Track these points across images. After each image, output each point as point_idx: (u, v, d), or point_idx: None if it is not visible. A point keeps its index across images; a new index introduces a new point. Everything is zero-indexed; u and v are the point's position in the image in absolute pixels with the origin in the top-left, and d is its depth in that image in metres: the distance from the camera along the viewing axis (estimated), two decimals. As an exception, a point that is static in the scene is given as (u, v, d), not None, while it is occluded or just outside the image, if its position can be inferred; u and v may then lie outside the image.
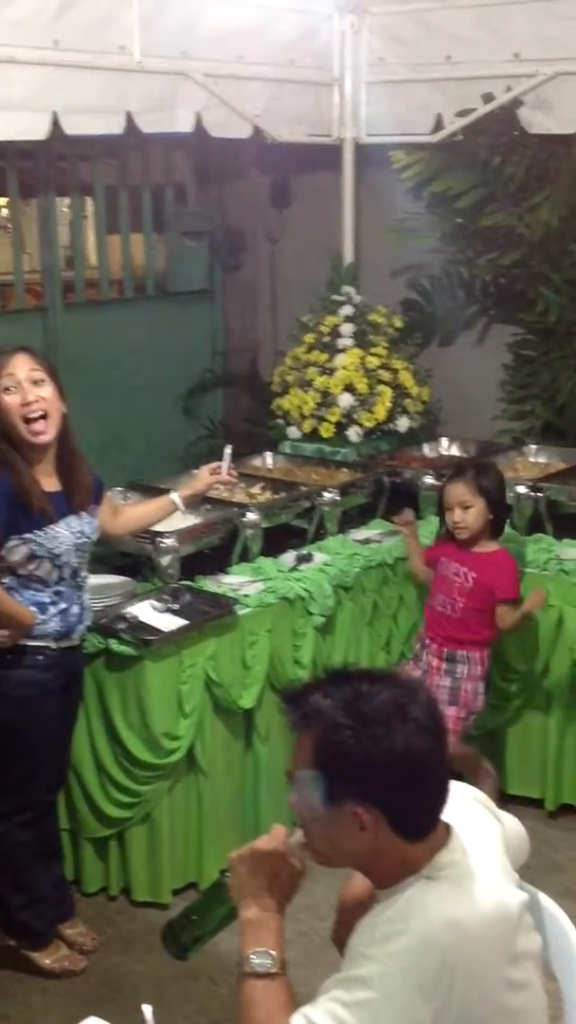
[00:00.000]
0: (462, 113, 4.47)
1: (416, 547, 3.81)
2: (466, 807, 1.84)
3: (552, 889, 2.05)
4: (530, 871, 1.93)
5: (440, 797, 1.68)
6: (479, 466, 3.65)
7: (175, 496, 3.27)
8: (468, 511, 3.50)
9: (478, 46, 4.39)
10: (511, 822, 1.98)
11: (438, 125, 4.60)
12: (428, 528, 4.00)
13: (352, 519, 4.20)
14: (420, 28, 4.59)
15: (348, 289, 4.92)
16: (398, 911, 1.63)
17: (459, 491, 3.51)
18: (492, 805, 1.92)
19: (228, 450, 3.30)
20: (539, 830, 3.64)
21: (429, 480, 4.21)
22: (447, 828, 1.71)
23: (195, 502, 3.39)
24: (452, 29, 4.46)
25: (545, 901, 2.00)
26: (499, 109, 4.39)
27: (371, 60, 4.78)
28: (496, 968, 1.64)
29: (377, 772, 1.62)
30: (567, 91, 4.20)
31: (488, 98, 4.36)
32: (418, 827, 1.66)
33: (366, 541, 4.01)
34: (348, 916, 1.89)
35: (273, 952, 1.72)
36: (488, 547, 3.56)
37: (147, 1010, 1.75)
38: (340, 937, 1.93)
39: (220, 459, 3.31)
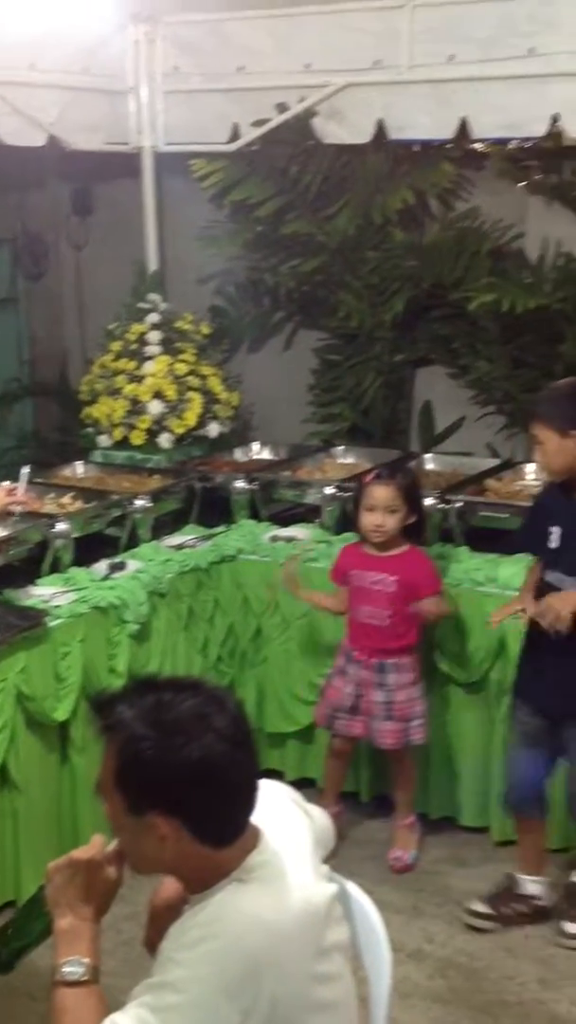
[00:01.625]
0: (257, 123, 4.55)
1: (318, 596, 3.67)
2: (278, 805, 1.87)
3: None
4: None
5: (243, 805, 1.69)
6: (402, 470, 3.62)
7: None
8: (393, 515, 3.43)
9: (270, 56, 4.47)
10: (320, 817, 2.03)
11: (235, 134, 4.66)
12: (241, 532, 4.06)
13: (165, 525, 4.20)
14: (213, 38, 4.64)
15: (154, 297, 4.93)
16: (207, 915, 1.65)
17: (387, 494, 3.42)
18: (302, 801, 1.97)
19: (25, 470, 3.24)
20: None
21: (240, 484, 4.25)
22: (257, 830, 1.74)
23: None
24: (244, 39, 4.53)
25: (354, 891, 2.06)
26: (293, 119, 4.49)
27: (166, 69, 4.80)
28: (305, 964, 1.68)
29: (174, 782, 1.63)
30: (357, 102, 4.32)
31: (282, 108, 4.44)
32: (220, 835, 1.67)
33: (180, 547, 4.02)
34: (160, 920, 1.89)
35: (85, 960, 1.72)
36: (400, 548, 3.50)
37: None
38: (152, 942, 1.93)
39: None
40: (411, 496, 3.46)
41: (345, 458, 4.63)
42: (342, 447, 4.70)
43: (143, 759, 1.63)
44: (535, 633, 3.09)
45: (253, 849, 1.71)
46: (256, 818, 1.73)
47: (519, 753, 3.23)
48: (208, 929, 1.63)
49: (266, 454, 4.82)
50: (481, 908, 3.29)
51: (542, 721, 3.16)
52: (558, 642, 3.00)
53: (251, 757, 1.70)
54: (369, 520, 3.44)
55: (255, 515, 4.21)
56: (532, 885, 3.30)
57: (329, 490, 4.06)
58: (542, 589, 3.09)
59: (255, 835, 1.72)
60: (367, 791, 3.87)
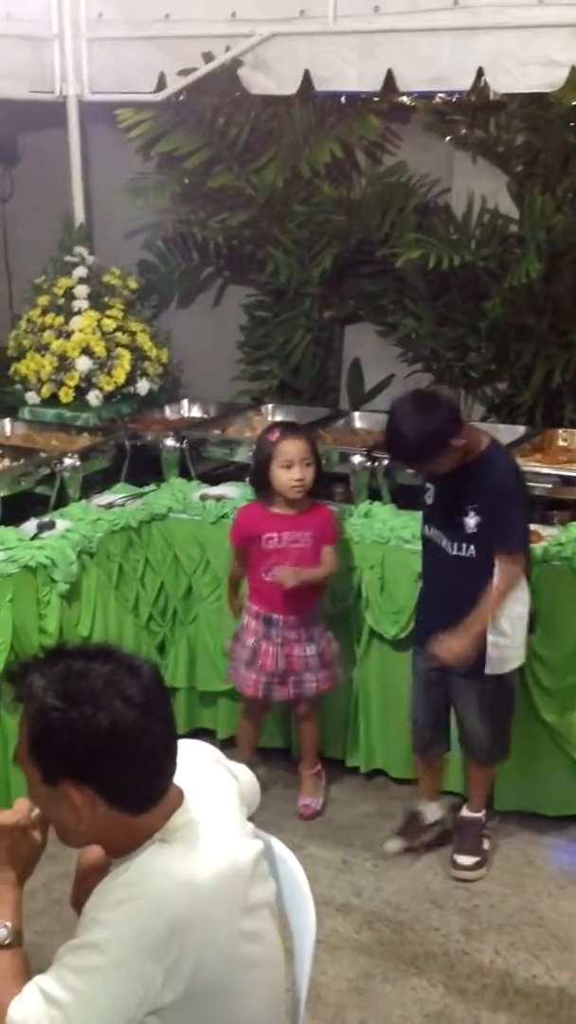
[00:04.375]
0: (183, 72, 4.47)
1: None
2: (202, 766, 1.89)
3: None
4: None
5: (159, 771, 1.70)
6: (298, 425, 3.66)
7: None
8: (309, 468, 3.43)
9: (196, 5, 4.39)
10: (245, 775, 2.05)
11: (161, 84, 4.58)
12: (171, 490, 4.04)
13: (95, 484, 4.17)
14: (138, -15, 4.54)
15: (80, 250, 4.85)
16: (130, 876, 1.66)
17: (302, 448, 3.43)
18: (226, 760, 1.98)
19: None
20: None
21: (171, 442, 4.23)
22: (180, 791, 1.74)
23: None
24: (169, -13, 4.44)
25: (279, 847, 2.09)
26: (220, 69, 4.41)
27: (90, 16, 4.69)
28: (229, 922, 1.70)
29: (85, 751, 1.63)
30: (284, 52, 4.26)
31: (208, 57, 4.37)
32: (137, 802, 1.68)
33: (110, 506, 4.00)
34: (86, 881, 1.91)
35: (8, 924, 1.73)
36: (308, 503, 3.52)
37: None
38: (79, 902, 1.94)
39: None
40: (315, 449, 3.51)
41: (275, 416, 4.62)
42: (271, 405, 4.69)
43: (52, 729, 1.63)
44: (430, 588, 3.29)
45: (176, 810, 1.72)
46: (180, 779, 1.75)
47: (419, 696, 3.38)
48: (130, 890, 1.64)
49: (196, 412, 4.80)
50: (397, 846, 3.45)
51: (432, 666, 3.26)
52: (449, 599, 3.17)
53: (165, 724, 1.70)
54: (289, 476, 3.43)
55: (185, 473, 4.19)
56: (435, 812, 3.49)
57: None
58: (424, 540, 3.29)
59: (178, 796, 1.73)
60: (297, 747, 3.91)
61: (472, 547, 3.13)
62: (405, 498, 3.77)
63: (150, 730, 1.66)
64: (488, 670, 3.18)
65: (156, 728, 1.67)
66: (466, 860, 3.38)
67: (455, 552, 3.16)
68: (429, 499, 3.24)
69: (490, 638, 3.13)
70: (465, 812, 3.46)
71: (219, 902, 1.68)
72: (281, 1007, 1.86)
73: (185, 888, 1.64)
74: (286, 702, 3.65)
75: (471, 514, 3.11)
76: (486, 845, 3.44)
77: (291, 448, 3.43)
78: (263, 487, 3.52)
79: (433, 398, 3.18)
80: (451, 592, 3.19)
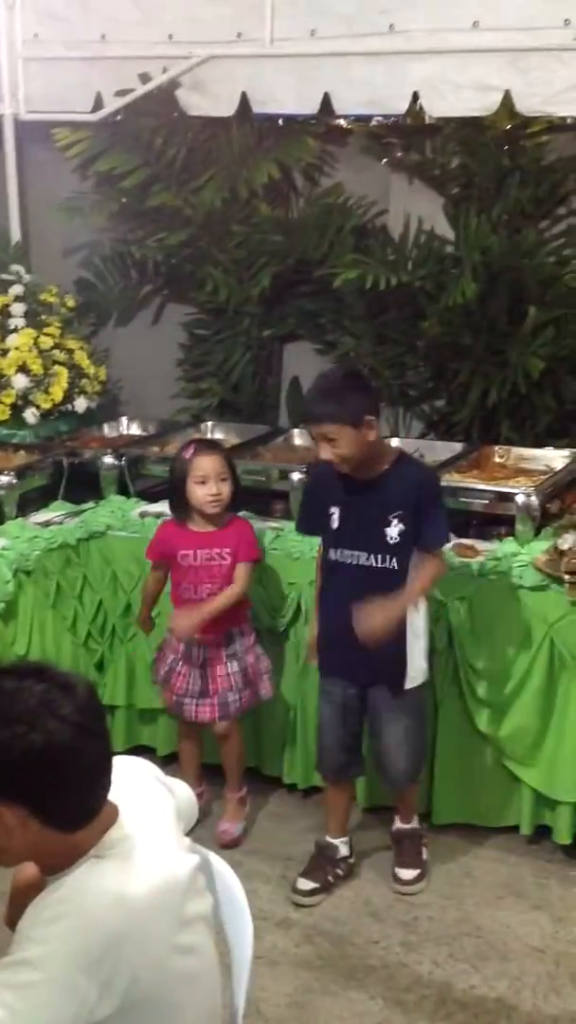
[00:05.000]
0: (121, 93, 4.49)
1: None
2: (138, 782, 1.89)
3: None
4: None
5: (93, 790, 1.69)
6: (213, 441, 3.64)
7: None
8: (224, 483, 3.44)
9: (133, 26, 4.41)
10: (182, 790, 2.05)
11: (98, 104, 4.60)
12: (110, 508, 4.03)
13: (32, 502, 4.15)
14: (74, 6, 4.55)
15: (17, 268, 4.84)
16: (64, 893, 1.65)
17: (217, 463, 3.43)
18: (163, 776, 1.99)
19: None
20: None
21: (109, 460, 4.22)
22: (115, 807, 1.74)
23: None
24: (106, 8, 4.46)
25: (216, 862, 2.09)
26: (158, 90, 4.44)
27: (26, 37, 4.69)
28: (164, 937, 1.69)
29: (18, 771, 1.62)
30: (221, 74, 4.30)
31: (145, 78, 4.39)
32: (70, 820, 1.67)
33: (47, 523, 3.98)
34: (21, 898, 1.89)
35: None
36: (227, 519, 3.52)
37: None
38: (13, 920, 1.93)
39: None
40: (232, 466, 3.51)
41: (214, 433, 4.62)
42: (211, 423, 4.70)
43: None
44: (341, 611, 3.14)
45: (111, 826, 1.71)
46: (115, 795, 1.74)
47: (334, 722, 3.35)
48: (64, 906, 1.63)
49: (135, 429, 4.79)
50: (307, 885, 3.38)
51: (350, 689, 3.28)
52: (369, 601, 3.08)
53: (100, 742, 1.70)
54: (204, 491, 3.44)
55: (124, 491, 4.19)
56: (344, 847, 3.47)
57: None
58: (329, 567, 3.26)
59: (113, 812, 1.73)
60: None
61: (394, 559, 3.14)
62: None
63: (84, 749, 1.65)
64: (408, 684, 3.21)
65: (90, 747, 1.67)
66: (408, 874, 3.39)
67: (378, 565, 3.15)
68: (335, 523, 3.21)
69: (410, 639, 3.17)
70: (400, 824, 3.47)
71: (154, 917, 1.68)
72: (218, 1021, 1.86)
73: (119, 904, 1.64)
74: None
75: (394, 523, 3.12)
76: (425, 855, 3.46)
77: (205, 464, 3.44)
78: (180, 505, 3.51)
79: (355, 372, 3.29)
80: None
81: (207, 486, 3.44)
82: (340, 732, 3.35)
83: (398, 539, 3.13)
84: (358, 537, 3.18)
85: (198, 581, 3.50)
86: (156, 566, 3.62)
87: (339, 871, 3.43)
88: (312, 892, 3.36)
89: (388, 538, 3.13)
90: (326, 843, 3.46)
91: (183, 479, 3.47)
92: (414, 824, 3.48)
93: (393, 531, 3.13)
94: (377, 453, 3.13)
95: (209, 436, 4.58)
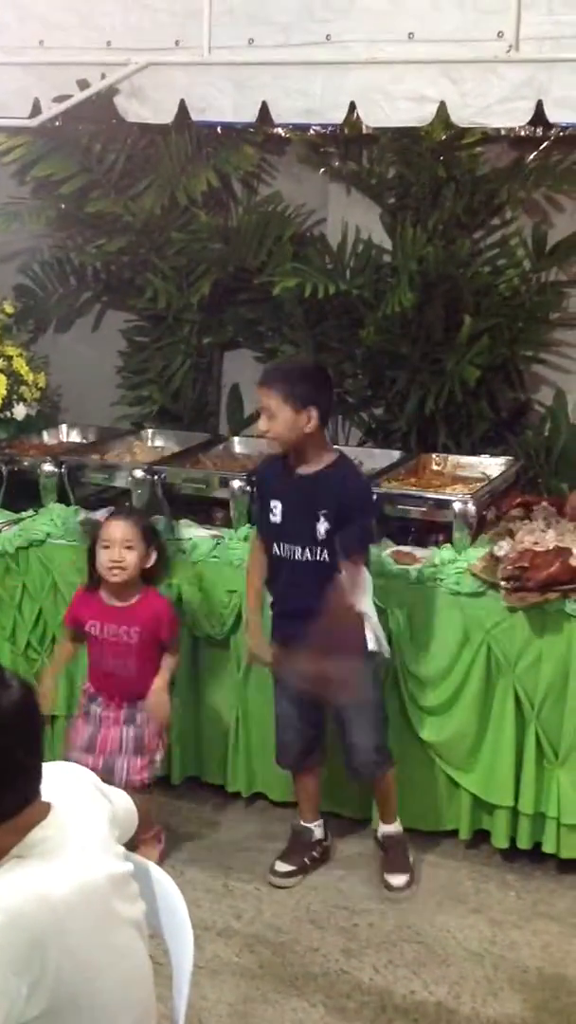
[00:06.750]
0: (59, 99, 4.45)
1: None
2: (74, 787, 1.89)
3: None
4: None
5: (14, 791, 1.69)
6: (139, 512, 3.58)
7: None
8: (130, 551, 3.33)
9: (71, 32, 4.36)
10: (121, 800, 2.06)
11: (36, 109, 4.55)
12: (49, 516, 4.01)
13: (-31, 511, 4.12)
14: (12, 11, 4.48)
15: (-46, 275, 4.80)
16: None
17: (125, 530, 3.33)
18: (102, 785, 1.99)
19: None
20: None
21: (49, 467, 4.20)
22: (45, 807, 1.74)
23: None
24: (44, 14, 4.40)
25: (156, 872, 2.10)
26: (96, 96, 4.40)
27: (-37, 41, 4.64)
28: (90, 935, 1.69)
29: None
30: (160, 81, 4.26)
31: (83, 84, 4.36)
32: None
33: (-15, 532, 3.95)
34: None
35: None
36: (137, 593, 3.41)
37: None
38: None
39: None
40: (149, 533, 3.41)
41: (154, 441, 4.63)
42: (151, 430, 4.70)
43: None
44: (284, 602, 3.33)
45: (36, 825, 1.72)
46: (46, 799, 1.75)
47: (286, 713, 3.42)
48: None
49: (75, 437, 4.77)
50: (285, 867, 3.47)
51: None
52: (306, 608, 3.11)
53: (21, 743, 1.70)
54: (107, 556, 3.33)
55: (64, 499, 4.16)
56: (317, 830, 3.55)
57: (138, 473, 4.06)
58: (274, 562, 3.33)
59: (39, 813, 1.73)
60: (179, 771, 3.90)
61: (324, 551, 3.21)
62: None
63: (7, 747, 1.66)
64: (371, 646, 3.25)
65: (14, 747, 1.67)
66: (398, 880, 3.42)
67: (312, 558, 3.23)
68: (276, 516, 3.29)
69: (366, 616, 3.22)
70: (384, 828, 3.51)
71: (78, 915, 1.68)
72: (151, 1027, 1.86)
73: (42, 902, 1.64)
74: None
75: (322, 520, 3.19)
76: (412, 858, 3.50)
77: (112, 529, 3.35)
78: (92, 570, 3.43)
79: (319, 365, 3.39)
80: (309, 599, 3.16)
81: (110, 551, 3.34)
82: (298, 725, 3.41)
83: (324, 536, 3.21)
84: (294, 531, 3.26)
85: (103, 655, 3.43)
86: (70, 632, 3.54)
87: (315, 854, 3.52)
88: (289, 874, 3.45)
89: (317, 533, 3.21)
90: (301, 827, 3.54)
91: (94, 543, 3.41)
92: (398, 826, 3.50)
93: (321, 527, 3.20)
94: (315, 448, 3.22)
95: (151, 443, 4.59)
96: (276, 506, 3.29)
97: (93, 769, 3.32)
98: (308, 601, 3.14)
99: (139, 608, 3.42)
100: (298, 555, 3.25)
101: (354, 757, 3.38)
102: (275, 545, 3.31)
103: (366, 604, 3.25)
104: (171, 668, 3.46)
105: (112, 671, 3.43)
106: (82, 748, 3.43)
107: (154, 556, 3.41)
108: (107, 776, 3.32)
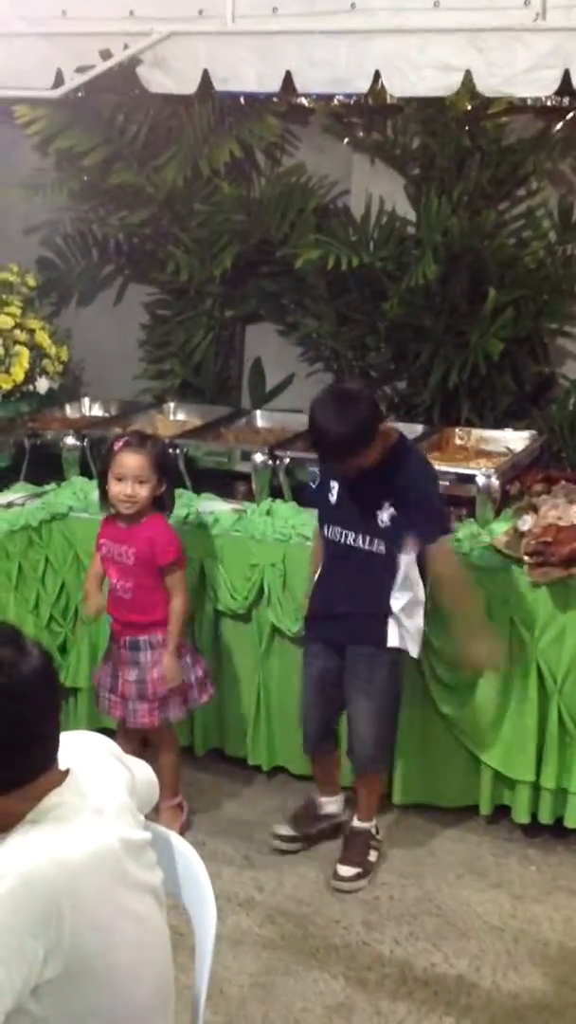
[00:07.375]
0: (81, 69, 4.43)
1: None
2: (92, 756, 1.90)
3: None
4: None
5: (29, 754, 1.70)
6: (152, 438, 3.50)
7: None
8: (142, 486, 3.33)
9: (93, 1, 4.34)
10: (142, 770, 2.06)
11: (59, 80, 4.53)
12: (72, 489, 4.02)
13: (-7, 483, 4.13)
14: (34, -20, 4.48)
15: (-23, 247, 4.80)
16: (1, 858, 1.66)
17: (138, 463, 3.31)
18: (121, 754, 1.99)
19: None
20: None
21: (71, 441, 4.21)
22: (60, 775, 1.75)
23: None
24: (66, -16, 4.39)
25: (177, 842, 2.10)
26: (119, 67, 4.37)
27: (-15, 11, 4.62)
28: (106, 898, 1.70)
29: None
30: (183, 51, 4.23)
31: (106, 55, 4.34)
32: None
33: (9, 505, 3.96)
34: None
35: None
36: (143, 516, 3.40)
37: None
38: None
39: None
40: (161, 465, 3.39)
41: (176, 414, 4.63)
42: (173, 403, 4.69)
43: None
44: (328, 585, 3.29)
45: (51, 791, 1.72)
46: (66, 765, 1.76)
47: (313, 696, 3.40)
48: (2, 871, 1.64)
49: (97, 410, 4.77)
50: (286, 831, 3.49)
51: (331, 661, 3.30)
52: (351, 597, 3.20)
53: (39, 711, 1.70)
54: (119, 489, 3.33)
55: (86, 472, 4.17)
56: (330, 805, 3.54)
57: (161, 447, 4.05)
58: (324, 543, 3.31)
59: (55, 780, 1.74)
60: (201, 744, 3.92)
61: (383, 543, 3.17)
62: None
63: (14, 717, 1.66)
64: (392, 642, 3.22)
65: (22, 715, 1.67)
66: (347, 871, 3.38)
67: (366, 547, 3.19)
68: (332, 498, 3.25)
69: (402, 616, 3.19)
70: (354, 822, 3.48)
71: (93, 878, 1.69)
72: (170, 996, 1.87)
73: (56, 866, 1.65)
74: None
75: (385, 507, 3.15)
76: (372, 857, 3.43)
77: (126, 461, 3.32)
78: (103, 495, 3.44)
79: (352, 393, 3.17)
80: (354, 590, 3.21)
81: (122, 484, 3.34)
82: (317, 706, 3.40)
83: (388, 523, 3.16)
84: (351, 517, 3.21)
85: (109, 576, 3.47)
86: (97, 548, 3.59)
87: (323, 826, 3.54)
88: (290, 839, 3.50)
89: (379, 521, 3.17)
90: (311, 799, 3.56)
91: (106, 470, 3.40)
92: (369, 825, 3.46)
93: (384, 515, 3.16)
94: (386, 437, 3.18)
95: (172, 417, 4.58)
96: (334, 487, 3.25)
97: (118, 715, 3.47)
98: (347, 592, 3.19)
99: (139, 530, 3.40)
100: (351, 541, 3.21)
101: (354, 745, 3.38)
102: (326, 527, 3.29)
103: (400, 604, 3.17)
104: (178, 616, 3.41)
105: (116, 593, 3.46)
106: (107, 688, 3.49)
107: (164, 486, 3.40)
108: (130, 719, 3.46)
